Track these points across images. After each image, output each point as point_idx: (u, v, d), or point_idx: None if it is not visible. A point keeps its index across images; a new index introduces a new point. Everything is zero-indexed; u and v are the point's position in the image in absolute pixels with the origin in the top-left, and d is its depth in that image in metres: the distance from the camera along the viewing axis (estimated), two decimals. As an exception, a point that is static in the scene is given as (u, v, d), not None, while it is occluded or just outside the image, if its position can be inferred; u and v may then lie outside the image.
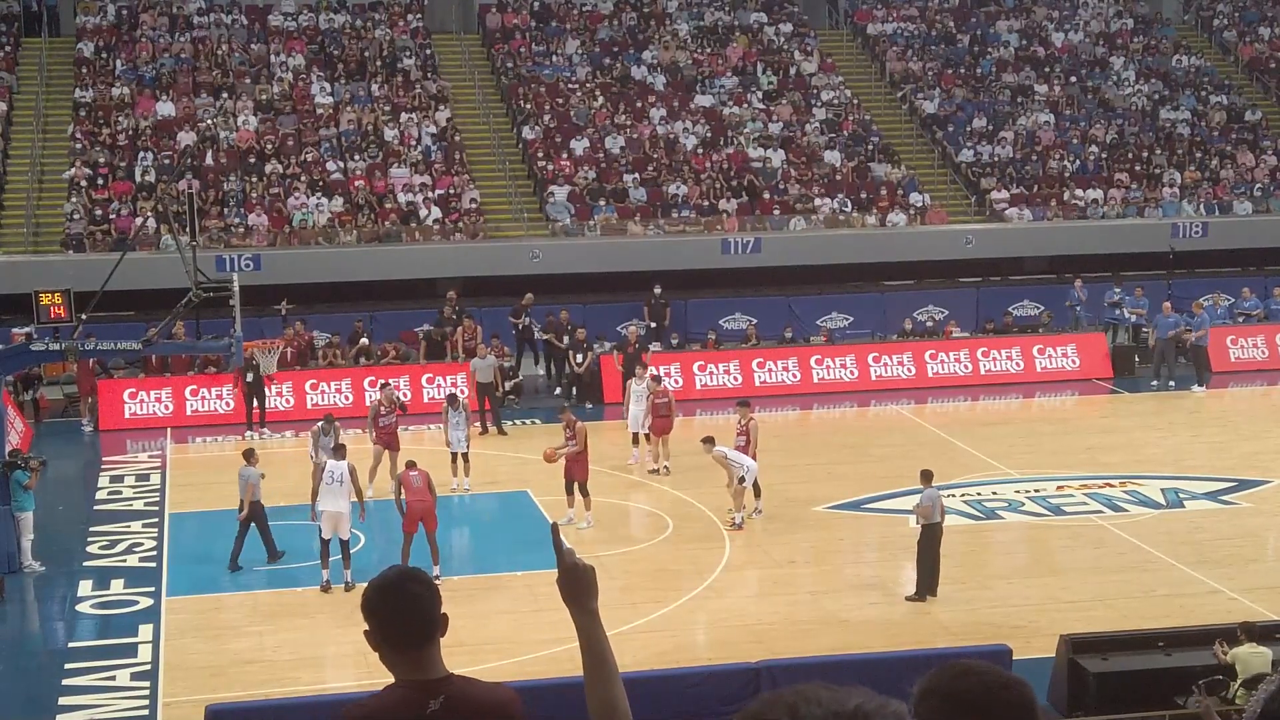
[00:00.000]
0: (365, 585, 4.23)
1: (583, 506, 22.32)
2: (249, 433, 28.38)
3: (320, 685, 16.57)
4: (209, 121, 37.54)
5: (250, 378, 28.02)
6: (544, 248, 35.05)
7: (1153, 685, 14.99)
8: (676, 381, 30.69)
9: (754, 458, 22.56)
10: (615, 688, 3.91)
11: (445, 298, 32.40)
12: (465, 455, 24.27)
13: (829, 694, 2.64)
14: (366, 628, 4.14)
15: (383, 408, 24.31)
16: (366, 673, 15.97)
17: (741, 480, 22.13)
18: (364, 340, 31.31)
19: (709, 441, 22.59)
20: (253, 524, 20.79)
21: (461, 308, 32.14)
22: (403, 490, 20.26)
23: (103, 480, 25.85)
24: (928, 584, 19.01)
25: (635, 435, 26.01)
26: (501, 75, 40.89)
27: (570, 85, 40.33)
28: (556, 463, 22.37)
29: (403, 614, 4.10)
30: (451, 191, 36.29)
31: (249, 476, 20.72)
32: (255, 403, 28.66)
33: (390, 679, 4.18)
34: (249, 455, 21.24)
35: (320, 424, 23.81)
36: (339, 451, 20.75)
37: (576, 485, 22.36)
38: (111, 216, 34.41)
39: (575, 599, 3.98)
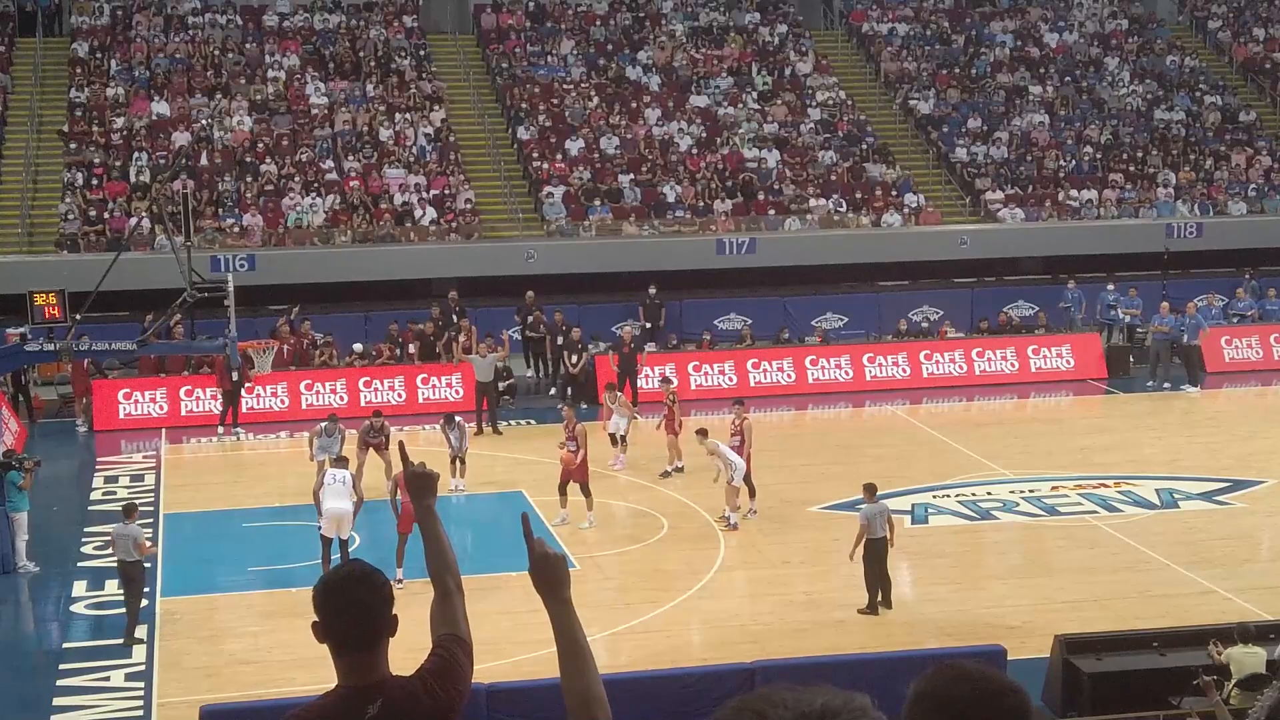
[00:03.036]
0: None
1: (584, 506, 22.33)
2: (221, 432, 28.35)
3: (315, 686, 16.51)
4: (204, 122, 37.53)
5: (235, 377, 28.06)
6: (539, 248, 35.05)
7: (1147, 686, 14.99)
8: (671, 382, 30.67)
9: (748, 458, 22.56)
10: (590, 675, 3.92)
11: (447, 298, 32.35)
12: (463, 459, 24.28)
13: (793, 695, 2.64)
14: (315, 619, 4.06)
15: (371, 433, 24.20)
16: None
17: (731, 480, 22.12)
18: (357, 345, 31.24)
19: (702, 433, 22.74)
20: (123, 584, 18.58)
21: (461, 307, 32.13)
22: (398, 491, 20.28)
23: (97, 481, 25.80)
24: (879, 595, 18.73)
25: (613, 437, 25.91)
26: (496, 75, 40.88)
27: (565, 86, 40.33)
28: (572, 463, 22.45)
29: (344, 616, 4.01)
30: (446, 192, 36.28)
31: (135, 535, 18.49)
32: (231, 404, 28.62)
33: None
34: (130, 511, 18.91)
35: (324, 424, 23.73)
36: (339, 462, 20.78)
37: (578, 486, 22.35)
38: (106, 216, 34.39)
39: (548, 588, 3.99)
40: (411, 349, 31.22)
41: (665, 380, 27.36)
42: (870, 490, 19.08)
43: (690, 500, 23.63)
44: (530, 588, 4.08)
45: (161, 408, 29.51)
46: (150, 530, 22.37)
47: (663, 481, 24.88)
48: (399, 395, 30.15)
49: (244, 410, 29.18)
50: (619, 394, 26.58)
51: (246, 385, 28.91)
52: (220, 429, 28.51)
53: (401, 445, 4.99)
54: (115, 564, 18.70)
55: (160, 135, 36.99)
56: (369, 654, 4.04)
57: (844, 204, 37.46)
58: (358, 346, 31.18)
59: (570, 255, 35.06)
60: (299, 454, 24.66)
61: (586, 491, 22.35)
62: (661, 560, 21.09)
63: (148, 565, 19.26)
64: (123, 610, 18.59)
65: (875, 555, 18.70)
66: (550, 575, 4.00)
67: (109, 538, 19.34)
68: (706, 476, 23.25)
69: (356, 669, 4.04)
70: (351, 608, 4.00)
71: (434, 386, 30.44)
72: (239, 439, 28.42)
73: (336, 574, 4.11)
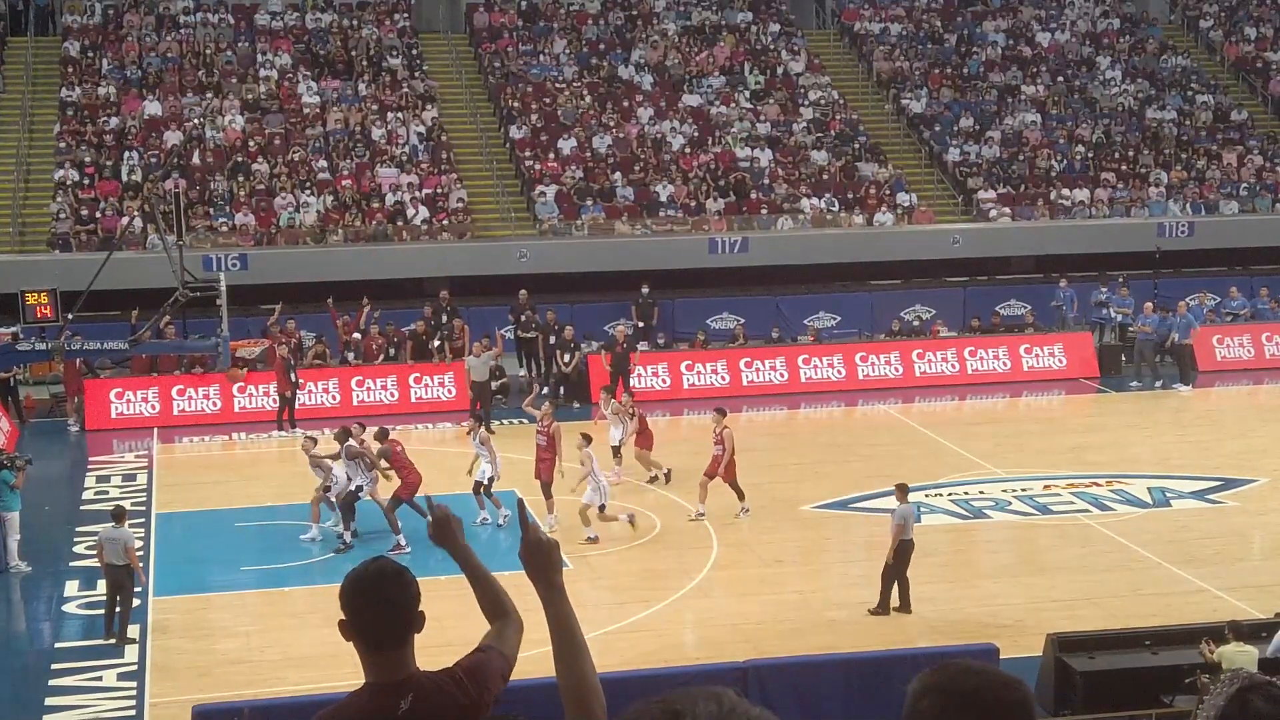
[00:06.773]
0: (346, 574, 4.10)
1: (545, 508, 22.08)
2: (282, 432, 28.23)
3: (308, 685, 16.52)
4: (195, 121, 37.47)
5: (294, 379, 28.12)
6: (531, 247, 35.03)
7: (1139, 684, 15.01)
8: (664, 381, 30.72)
9: (731, 464, 22.30)
10: (585, 660, 3.93)
11: (438, 297, 32.32)
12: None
13: (706, 695, 2.70)
14: (342, 617, 4.05)
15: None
16: (355, 672, 15.92)
17: (589, 505, 21.42)
18: (355, 335, 31.18)
19: (586, 439, 22.00)
20: (112, 589, 18.25)
21: (453, 307, 32.09)
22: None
23: (89, 480, 25.78)
24: (902, 599, 18.61)
25: (614, 449, 25.66)
26: (489, 74, 40.86)
27: (558, 85, 40.32)
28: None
29: (373, 613, 4.00)
30: (439, 191, 36.26)
31: (125, 539, 18.32)
32: (289, 405, 28.49)
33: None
34: (119, 515, 18.68)
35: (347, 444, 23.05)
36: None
37: (540, 485, 22.10)
38: (98, 216, 34.34)
39: (540, 573, 4.00)
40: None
41: (629, 394, 26.98)
42: (903, 490, 18.86)
43: (683, 499, 23.62)
44: (524, 588, 4.07)
45: (153, 407, 29.47)
46: (142, 530, 22.40)
47: (654, 481, 24.82)
48: (391, 395, 30.13)
49: (235, 410, 29.16)
50: (613, 398, 26.42)
51: (239, 385, 28.85)
52: (278, 428, 28.37)
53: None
54: (103, 567, 18.55)
55: (152, 134, 36.94)
56: (398, 650, 4.05)
57: (836, 203, 37.47)
58: (355, 335, 31.06)
59: (563, 254, 35.05)
60: (292, 453, 24.61)
61: (548, 493, 22.09)
62: (654, 560, 21.09)
63: (141, 563, 19.22)
64: (116, 611, 18.54)
65: (903, 557, 18.57)
66: (542, 560, 4.01)
67: (97, 541, 19.28)
68: (692, 476, 23.15)
69: (386, 666, 4.05)
70: (381, 604, 4.00)
71: (426, 386, 30.42)
72: (283, 435, 28.25)
73: (364, 571, 4.07)
